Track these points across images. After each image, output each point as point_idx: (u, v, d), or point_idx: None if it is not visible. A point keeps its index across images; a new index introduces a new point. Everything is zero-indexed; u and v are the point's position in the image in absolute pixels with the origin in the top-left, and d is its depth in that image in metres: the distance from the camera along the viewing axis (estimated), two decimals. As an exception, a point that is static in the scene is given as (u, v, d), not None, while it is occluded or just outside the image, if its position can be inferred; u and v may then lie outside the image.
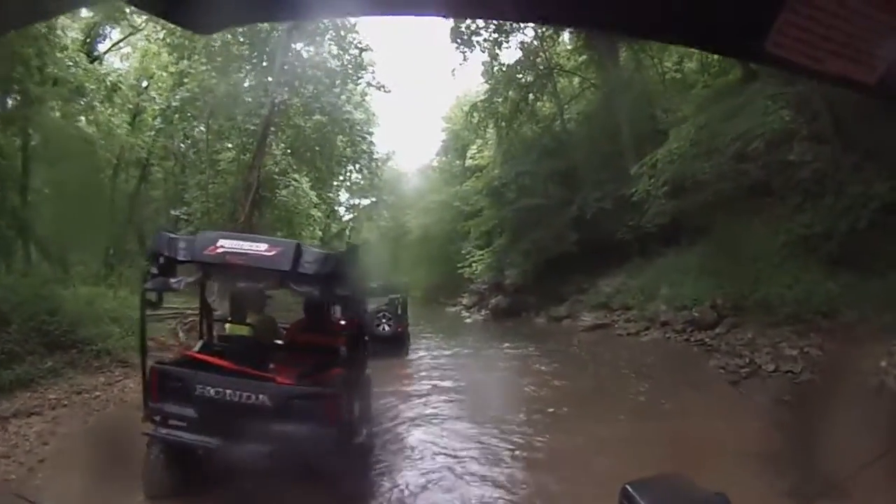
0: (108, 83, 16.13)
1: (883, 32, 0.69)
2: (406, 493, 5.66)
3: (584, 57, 18.97)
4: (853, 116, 8.79)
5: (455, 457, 6.48)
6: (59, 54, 13.62)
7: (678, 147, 12.44)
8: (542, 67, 19.13)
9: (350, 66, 19.18)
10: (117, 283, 13.34)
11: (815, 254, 9.16)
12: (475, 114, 21.07)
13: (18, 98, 12.98)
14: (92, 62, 15.91)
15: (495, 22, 16.89)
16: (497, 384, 10.08)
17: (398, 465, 6.36)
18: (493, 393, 9.32)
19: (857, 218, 8.44)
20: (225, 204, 17.26)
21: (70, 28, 14.98)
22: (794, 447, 5.52)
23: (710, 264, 11.17)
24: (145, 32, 17.36)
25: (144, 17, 15.29)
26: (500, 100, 19.97)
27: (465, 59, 19.41)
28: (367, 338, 7.06)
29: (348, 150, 20.52)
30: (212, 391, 4.79)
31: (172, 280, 4.91)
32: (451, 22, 17.30)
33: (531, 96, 19.61)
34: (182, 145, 19.21)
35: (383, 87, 20.27)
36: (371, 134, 21.46)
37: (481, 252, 20.43)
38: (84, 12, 15.31)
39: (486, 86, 20.80)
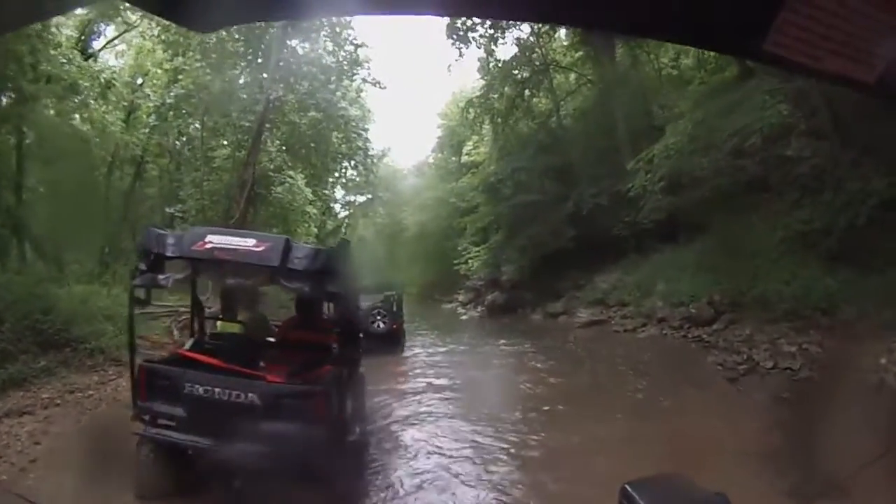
0: (103, 80, 15.99)
1: (882, 32, 0.70)
2: (400, 492, 5.62)
3: (581, 53, 18.90)
4: (852, 112, 8.74)
5: (450, 456, 6.45)
6: (52, 52, 13.50)
7: (675, 143, 12.42)
8: (538, 63, 19.02)
9: (345, 62, 19.04)
10: (112, 281, 13.21)
11: (814, 250, 9.11)
12: (471, 110, 20.93)
13: (12, 96, 12.87)
14: (86, 59, 15.78)
15: (491, 18, 16.85)
16: (492, 382, 10.07)
17: (392, 464, 6.32)
18: (488, 391, 9.30)
19: (856, 214, 8.40)
20: (220, 201, 17.16)
21: (64, 25, 14.82)
22: (794, 445, 5.50)
23: (708, 260, 11.09)
24: (140, 29, 17.18)
25: (139, 14, 15.17)
26: (496, 96, 19.85)
27: (460, 56, 19.22)
28: (360, 335, 7.02)
29: (344, 146, 20.37)
30: (201, 390, 4.74)
31: (161, 277, 4.86)
32: (446, 18, 17.22)
33: (527, 92, 19.50)
34: (177, 142, 19.06)
35: (379, 83, 20.11)
36: (366, 130, 21.29)
37: (477, 248, 20.42)
38: (78, 10, 15.20)
39: (482, 82, 20.70)
